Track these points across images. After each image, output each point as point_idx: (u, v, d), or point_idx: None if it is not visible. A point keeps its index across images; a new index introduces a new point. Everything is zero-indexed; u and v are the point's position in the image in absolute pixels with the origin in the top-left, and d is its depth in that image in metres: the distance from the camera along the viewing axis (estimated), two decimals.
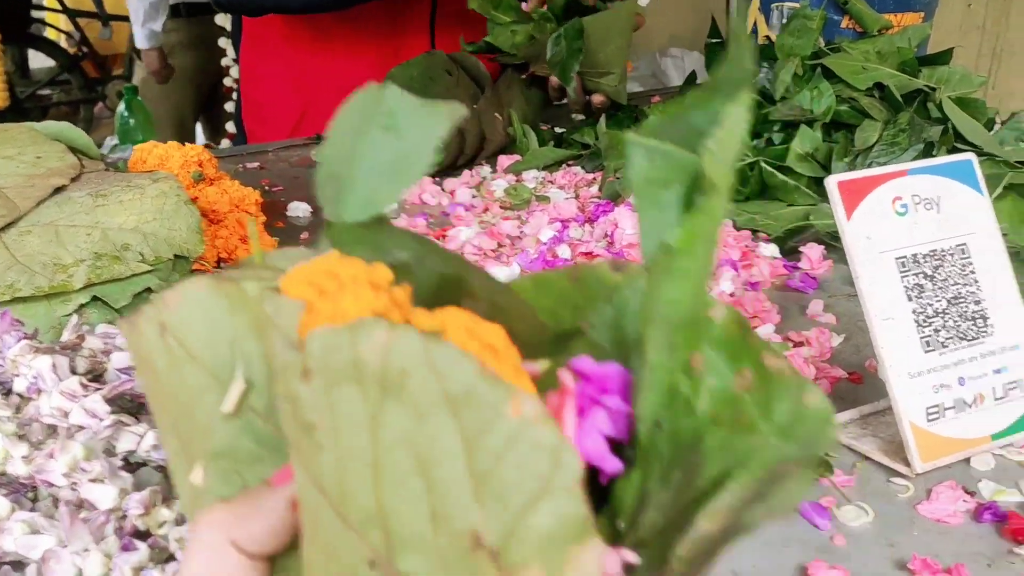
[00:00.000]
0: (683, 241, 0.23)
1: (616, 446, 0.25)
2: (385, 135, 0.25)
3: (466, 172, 1.07)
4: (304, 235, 0.90)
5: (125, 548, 0.42)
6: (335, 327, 0.21)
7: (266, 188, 1.04)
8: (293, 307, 0.23)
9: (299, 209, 0.97)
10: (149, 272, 0.62)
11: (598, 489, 0.25)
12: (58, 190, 0.67)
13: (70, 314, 0.60)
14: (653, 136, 0.25)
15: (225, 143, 2.42)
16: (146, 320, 0.27)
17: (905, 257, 0.54)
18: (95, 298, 0.61)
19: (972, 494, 0.52)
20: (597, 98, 1.19)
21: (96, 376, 0.51)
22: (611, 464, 0.24)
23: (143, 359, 0.27)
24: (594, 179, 1.03)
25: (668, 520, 0.23)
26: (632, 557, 0.21)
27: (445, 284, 0.26)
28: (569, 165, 1.10)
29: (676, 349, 0.24)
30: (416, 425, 0.20)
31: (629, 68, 1.53)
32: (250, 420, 0.26)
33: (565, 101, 1.23)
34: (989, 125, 0.97)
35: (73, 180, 0.69)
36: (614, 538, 0.24)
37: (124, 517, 0.44)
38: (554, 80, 1.17)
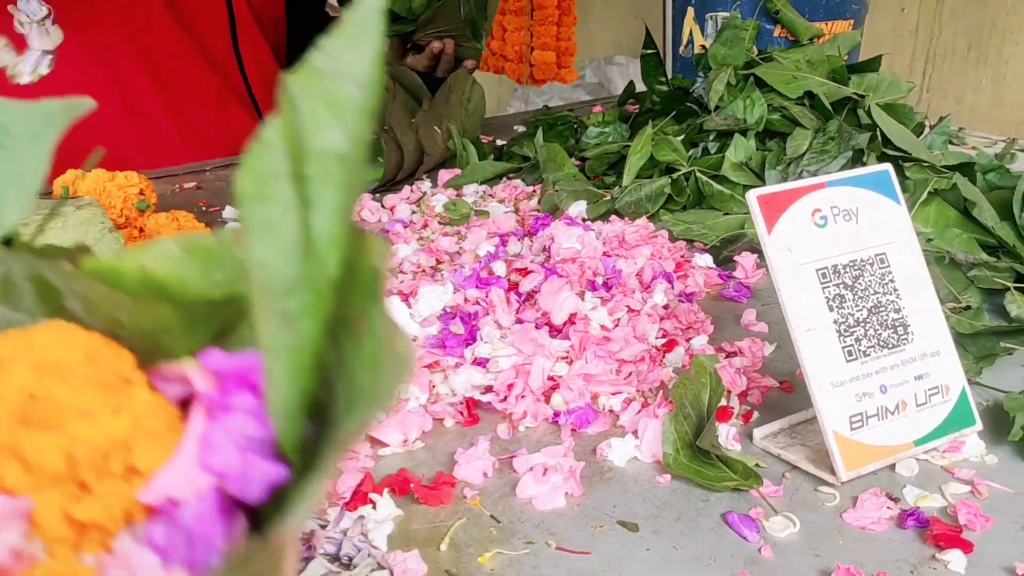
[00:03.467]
0: (245, 183, 0.18)
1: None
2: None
3: (406, 187, 1.06)
4: None
5: None
6: None
7: (203, 208, 1.03)
8: None
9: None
10: None
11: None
12: None
13: None
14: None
15: None
16: None
17: (826, 268, 0.55)
18: None
19: (896, 500, 0.52)
20: (470, 63, 1.26)
21: None
22: (262, 472, 0.19)
23: None
24: (533, 191, 1.04)
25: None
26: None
27: (41, 288, 0.23)
28: (509, 178, 1.10)
29: (290, 319, 0.19)
30: None
31: (576, 75, 1.57)
32: None
33: (432, 72, 1.27)
34: (918, 130, 0.99)
35: None
36: None
37: None
38: (435, 46, 1.23)
